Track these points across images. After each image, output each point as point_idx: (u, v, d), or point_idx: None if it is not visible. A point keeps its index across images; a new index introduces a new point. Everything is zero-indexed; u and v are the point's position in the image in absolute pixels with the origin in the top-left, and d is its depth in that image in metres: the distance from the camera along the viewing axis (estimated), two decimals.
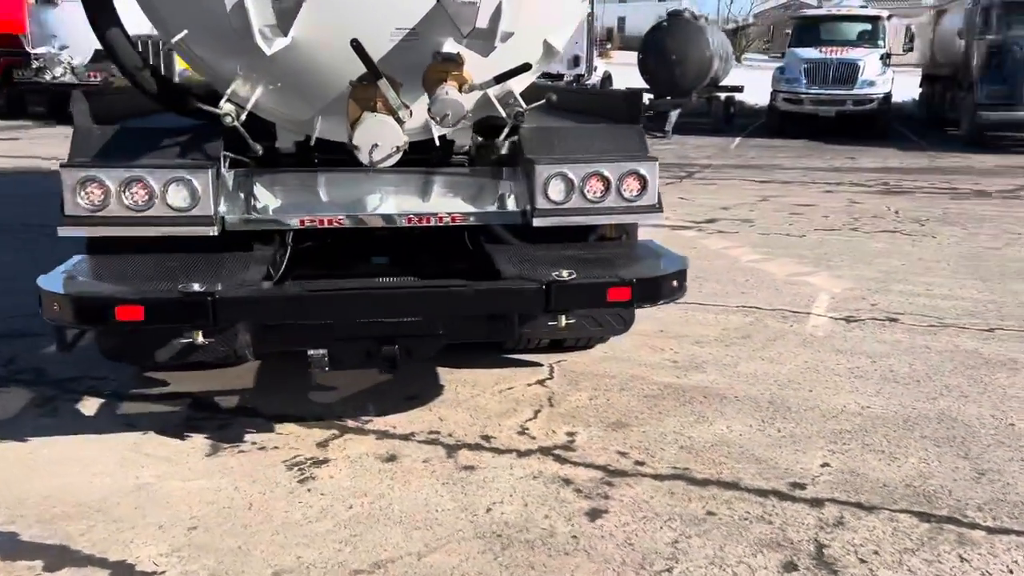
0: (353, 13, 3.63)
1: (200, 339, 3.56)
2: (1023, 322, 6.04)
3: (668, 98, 17.88)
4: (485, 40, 3.55)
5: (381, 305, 3.70)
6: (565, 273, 3.64)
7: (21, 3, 19.93)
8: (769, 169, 14.20)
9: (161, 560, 3.17)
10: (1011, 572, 3.13)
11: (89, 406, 4.54)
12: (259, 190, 4.14)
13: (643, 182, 4.15)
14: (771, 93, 19.92)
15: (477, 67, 3.69)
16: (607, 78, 22.83)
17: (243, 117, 3.79)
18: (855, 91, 18.58)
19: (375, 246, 4.59)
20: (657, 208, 4.22)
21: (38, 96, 20.34)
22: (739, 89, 21.28)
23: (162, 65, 13.17)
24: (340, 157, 4.12)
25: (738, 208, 10.57)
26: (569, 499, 3.61)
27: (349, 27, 3.54)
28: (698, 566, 3.15)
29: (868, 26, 20.05)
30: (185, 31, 3.70)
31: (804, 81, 18.93)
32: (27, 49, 19.97)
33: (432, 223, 4.15)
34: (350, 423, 4.32)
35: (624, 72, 22.46)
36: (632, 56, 20.52)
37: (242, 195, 4.08)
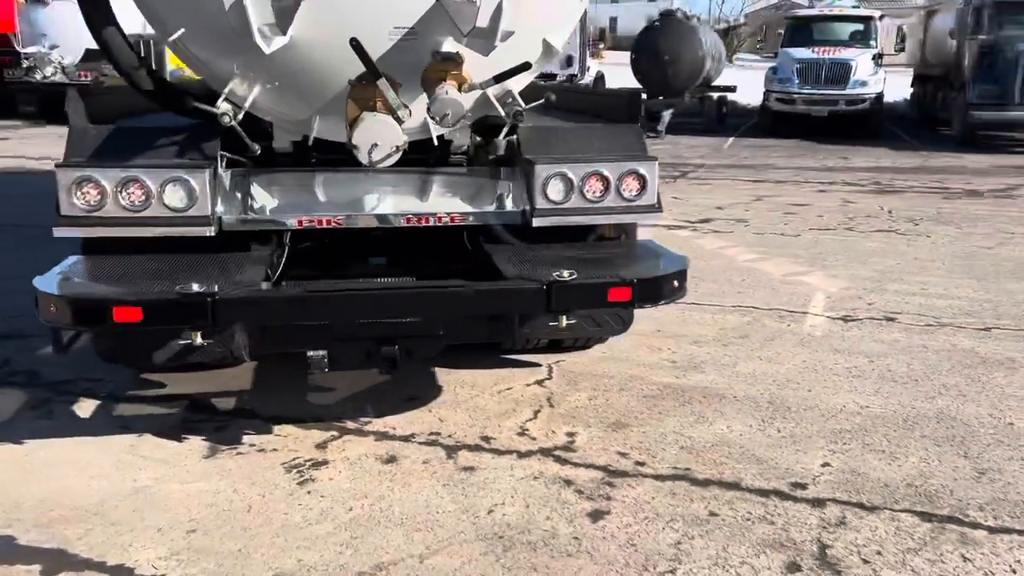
0: (352, 12, 3.61)
1: (199, 340, 3.53)
2: (1019, 321, 6.06)
3: (661, 98, 17.89)
4: (485, 39, 3.54)
5: (382, 306, 3.68)
6: (566, 273, 3.63)
7: (11, 2, 19.82)
8: (762, 169, 14.22)
9: (160, 563, 3.14)
10: (1014, 572, 3.13)
11: (85, 408, 4.50)
12: (256, 190, 4.11)
13: (642, 182, 4.15)
14: (764, 93, 19.96)
15: (476, 66, 3.68)
16: (600, 78, 22.80)
17: (240, 116, 3.76)
18: (847, 91, 18.62)
19: (372, 246, 4.57)
20: (656, 208, 4.21)
21: (28, 96, 20.17)
22: (732, 89, 21.29)
23: (153, 64, 13.12)
24: (338, 157, 4.10)
25: (732, 208, 10.58)
26: (570, 500, 3.60)
27: (348, 26, 3.52)
28: (701, 567, 3.14)
29: (860, 26, 20.12)
30: (182, 30, 3.67)
31: (797, 81, 18.97)
32: (17, 48, 19.85)
33: (431, 223, 4.13)
34: (349, 424, 4.29)
35: (616, 72, 22.43)
36: (624, 56, 20.54)
37: (239, 195, 4.05)
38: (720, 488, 3.71)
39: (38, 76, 19.78)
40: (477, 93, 3.74)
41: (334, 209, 4.10)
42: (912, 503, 3.59)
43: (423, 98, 3.70)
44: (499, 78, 3.71)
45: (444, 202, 4.21)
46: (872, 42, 19.72)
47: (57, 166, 3.73)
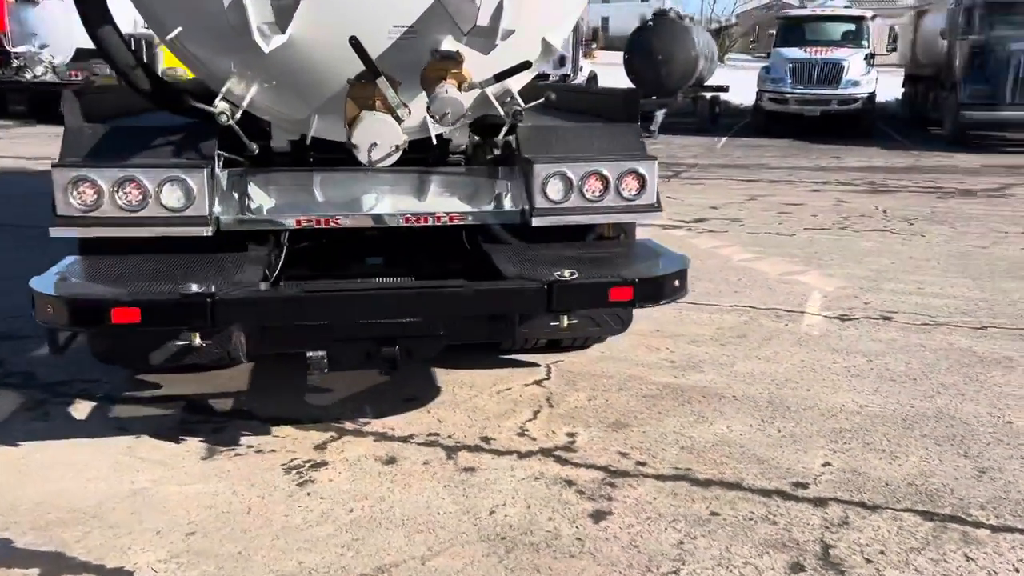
0: (351, 10, 3.58)
1: (198, 341, 3.50)
2: (1015, 320, 6.07)
3: (654, 98, 17.90)
4: (486, 38, 3.52)
5: (382, 306, 3.65)
6: (567, 273, 3.61)
7: (1, 2, 19.72)
8: (756, 168, 14.24)
9: (160, 566, 3.11)
10: (1017, 571, 3.13)
11: (81, 410, 4.46)
12: (254, 190, 4.08)
13: (642, 181, 4.14)
14: (757, 93, 20.02)
15: (475, 65, 3.66)
16: (593, 78, 22.80)
17: (238, 116, 3.74)
18: (840, 91, 18.69)
19: (370, 246, 4.55)
20: (656, 207, 4.20)
21: (18, 95, 20.07)
22: (724, 89, 21.35)
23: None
24: (336, 156, 4.08)
25: (727, 207, 10.59)
26: (572, 501, 3.58)
27: (347, 24, 3.49)
28: (705, 567, 3.13)
29: (852, 26, 20.19)
30: (179, 28, 3.64)
31: (789, 81, 19.03)
32: (7, 48, 19.76)
33: (430, 223, 4.11)
34: (347, 425, 4.27)
35: (609, 72, 22.47)
36: (615, 56, 20.57)
37: (236, 195, 4.02)
38: (721, 488, 3.70)
39: (28, 76, 19.69)
40: (476, 92, 3.72)
41: (332, 209, 4.08)
42: (914, 502, 3.59)
43: (422, 97, 3.68)
44: (499, 77, 3.69)
45: (443, 202, 4.19)
46: (864, 42, 19.80)
47: (53, 166, 3.69)
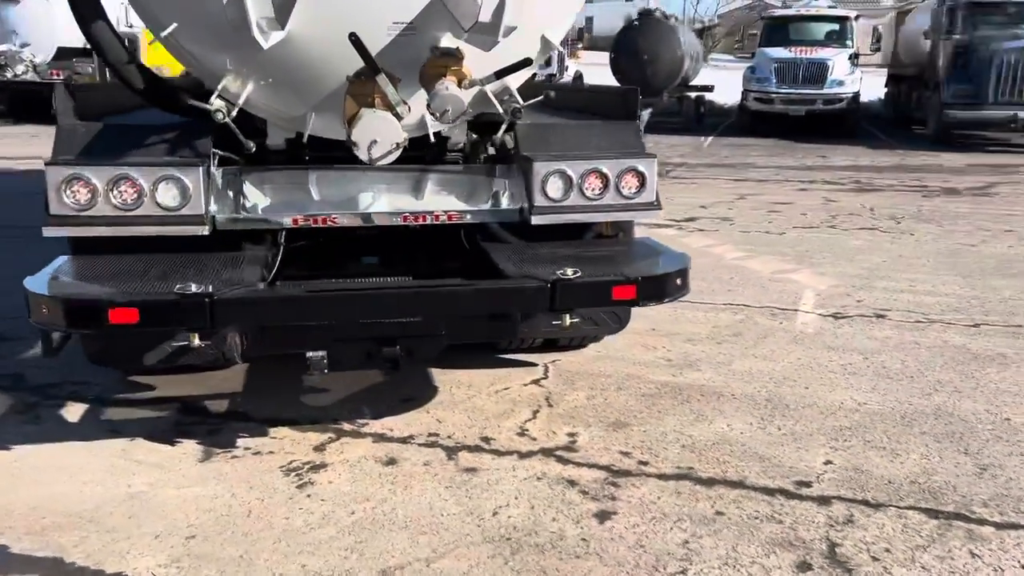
0: (349, 6, 3.55)
1: (196, 342, 3.45)
2: (1007, 318, 6.10)
3: (640, 97, 17.89)
4: (488, 35, 3.49)
5: (384, 305, 3.61)
6: (570, 271, 3.58)
7: None
8: (743, 168, 14.28)
9: (160, 571, 3.06)
10: (1023, 567, 3.13)
11: (73, 412, 4.39)
12: (250, 188, 4.03)
13: (641, 179, 4.12)
14: (742, 92, 20.10)
15: (474, 62, 3.63)
16: (579, 77, 22.79)
17: (234, 113, 3.69)
18: (825, 90, 18.80)
19: (366, 245, 4.50)
20: (655, 205, 4.19)
21: None
22: (709, 89, 21.41)
23: None
24: (332, 154, 4.04)
25: (716, 206, 10.60)
26: (576, 501, 3.55)
27: (345, 21, 3.46)
28: (712, 567, 3.11)
29: (836, 26, 20.31)
30: (175, 25, 3.59)
31: (774, 80, 19.12)
32: None
33: (428, 221, 4.08)
34: (346, 426, 4.22)
35: (594, 71, 22.46)
36: (600, 56, 20.59)
37: (232, 193, 3.97)
38: (725, 487, 3.68)
39: (8, 75, 19.44)
40: (476, 89, 3.69)
41: (329, 207, 4.04)
42: (917, 500, 3.58)
43: (421, 94, 3.64)
44: (500, 74, 3.66)
45: (441, 200, 4.16)
46: (848, 42, 19.92)
47: (46, 164, 3.63)
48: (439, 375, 4.80)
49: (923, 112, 19.08)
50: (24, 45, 19.37)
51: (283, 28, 3.46)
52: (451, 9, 3.46)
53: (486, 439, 4.11)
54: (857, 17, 20.72)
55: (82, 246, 3.86)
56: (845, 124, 18.97)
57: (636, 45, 18.08)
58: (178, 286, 3.30)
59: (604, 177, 4.06)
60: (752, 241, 8.60)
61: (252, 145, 3.92)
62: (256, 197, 4.03)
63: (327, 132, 3.93)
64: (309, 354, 3.65)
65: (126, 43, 3.86)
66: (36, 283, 3.43)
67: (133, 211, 3.66)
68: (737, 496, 3.61)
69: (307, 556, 3.15)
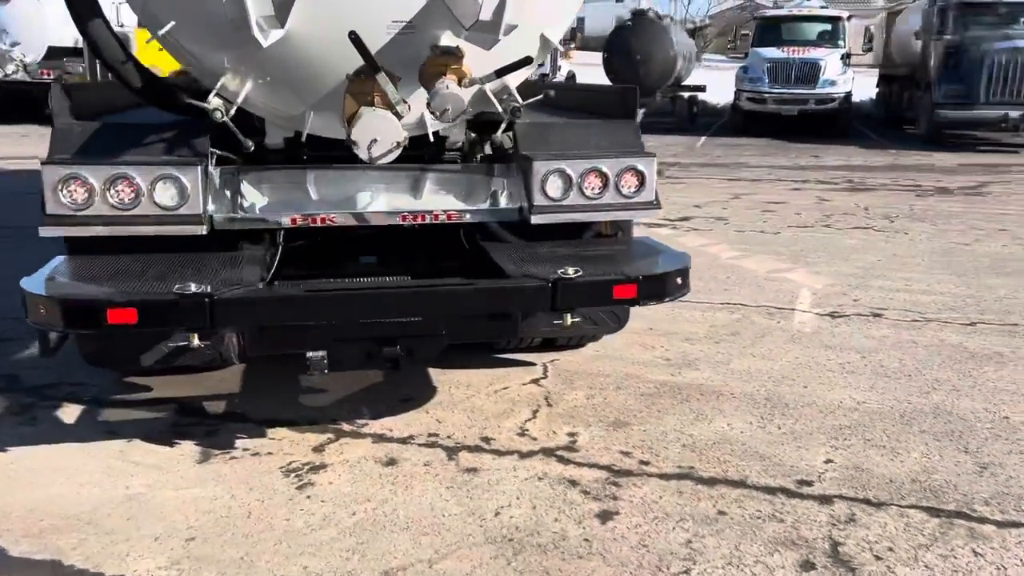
0: (349, 5, 3.53)
1: (196, 342, 3.42)
2: (1002, 316, 6.12)
3: None
4: (489, 33, 3.47)
5: (385, 305, 3.59)
6: (571, 270, 3.57)
7: None
8: (736, 167, 14.30)
9: (160, 573, 3.03)
10: None
11: (69, 413, 4.36)
12: (248, 188, 4.01)
13: (641, 178, 4.11)
14: (735, 92, 20.14)
15: (474, 61, 3.61)
16: (571, 77, 22.81)
17: (232, 112, 3.66)
18: (817, 90, 18.85)
19: (364, 245, 4.48)
20: (655, 204, 4.18)
21: None
22: (702, 88, 21.45)
23: None
24: (330, 153, 4.01)
25: (710, 206, 10.61)
26: (577, 501, 3.54)
27: (344, 19, 3.44)
28: (715, 567, 3.10)
29: (829, 26, 20.36)
30: (172, 23, 3.56)
31: (767, 80, 19.16)
32: None
33: (427, 220, 4.07)
34: (345, 427, 4.20)
35: (586, 72, 22.47)
36: (592, 56, 20.62)
37: (229, 193, 3.95)
38: (726, 486, 3.67)
39: None
40: (475, 88, 3.67)
41: (328, 207, 4.02)
42: (918, 498, 3.58)
43: (420, 93, 3.62)
44: (501, 72, 3.65)
45: (440, 199, 4.14)
46: (840, 42, 19.98)
47: (43, 163, 3.60)
48: (437, 375, 4.79)
49: (914, 112, 19.16)
50: (14, 44, 19.25)
51: (283, 26, 3.43)
52: (451, 7, 3.44)
53: (486, 439, 4.09)
54: (849, 17, 20.78)
55: (79, 246, 3.83)
56: (837, 124, 19.03)
57: (629, 45, 18.11)
58: (177, 286, 3.27)
59: (604, 176, 4.05)
60: (747, 240, 8.61)
61: (251, 144, 3.90)
62: (254, 196, 4.01)
63: (326, 131, 3.91)
64: (309, 354, 3.62)
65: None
66: (33, 283, 3.40)
67: (130, 211, 3.63)
68: (739, 495, 3.60)
69: (309, 557, 3.13)
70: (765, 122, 19.39)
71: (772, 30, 20.58)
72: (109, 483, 3.66)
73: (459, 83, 3.56)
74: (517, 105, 3.86)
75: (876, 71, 23.96)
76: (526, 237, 4.24)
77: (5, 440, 4.04)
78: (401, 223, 4.08)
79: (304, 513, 3.43)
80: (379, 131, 3.49)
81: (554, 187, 4.01)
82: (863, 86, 22.50)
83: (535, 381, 4.79)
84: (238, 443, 4.04)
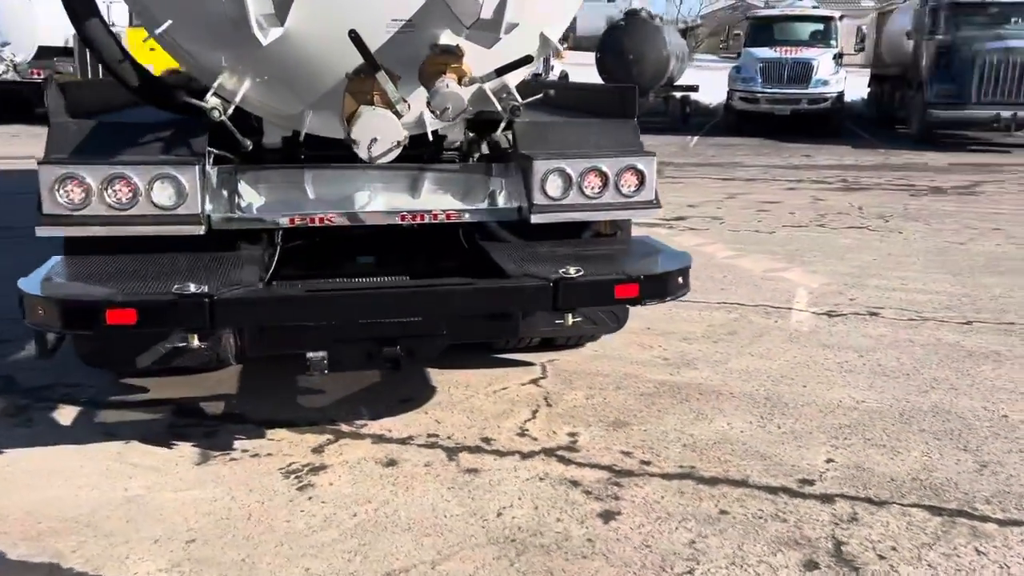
0: (349, 3, 3.51)
1: (195, 343, 3.39)
2: (998, 315, 6.13)
3: None
4: (489, 31, 3.45)
5: (386, 305, 3.57)
6: (572, 270, 3.56)
7: None
8: (730, 167, 14.32)
9: (161, 575, 3.02)
10: None
11: (65, 415, 4.32)
12: (245, 187, 3.99)
13: (641, 177, 4.11)
14: (728, 92, 20.18)
15: (473, 60, 3.59)
16: (564, 77, 22.80)
17: (230, 111, 3.64)
18: (809, 90, 18.91)
19: (363, 244, 4.46)
20: (655, 204, 4.18)
21: None
22: (695, 88, 21.48)
23: None
24: (329, 153, 3.99)
25: (705, 205, 10.62)
26: (579, 501, 3.53)
27: (344, 18, 3.42)
28: (719, 567, 3.09)
29: (821, 26, 20.43)
30: (170, 21, 3.53)
31: (760, 80, 19.21)
32: None
33: (426, 220, 4.05)
34: (344, 427, 4.18)
35: (579, 71, 22.47)
36: (584, 56, 20.61)
37: (227, 193, 3.92)
38: (728, 486, 3.67)
39: None
40: (475, 87, 3.65)
41: (326, 207, 3.99)
42: (920, 497, 3.58)
43: (420, 92, 3.61)
44: (501, 71, 3.63)
45: (439, 199, 4.13)
46: (833, 42, 20.05)
47: (39, 163, 3.57)
48: (436, 375, 4.77)
49: (906, 112, 19.23)
50: (4, 44, 19.16)
51: (282, 24, 3.41)
52: (452, 6, 3.42)
53: (486, 439, 4.08)
54: (841, 17, 20.85)
55: (75, 246, 3.80)
56: (830, 123, 19.09)
57: (622, 45, 18.15)
58: (176, 286, 3.25)
59: (603, 175, 4.04)
60: (742, 240, 8.62)
61: (249, 143, 3.88)
62: (252, 196, 3.99)
63: (324, 130, 3.89)
64: (309, 355, 3.60)
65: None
66: (30, 284, 3.36)
67: (128, 210, 3.61)
68: (741, 495, 3.59)
69: (310, 559, 3.11)
70: (758, 122, 19.44)
71: (765, 30, 20.64)
72: (107, 485, 3.63)
73: (459, 82, 3.54)
74: (517, 104, 3.84)
75: (868, 71, 24.03)
76: (525, 237, 4.23)
77: (1, 442, 4.00)
78: (400, 223, 4.06)
79: (305, 514, 3.41)
80: (379, 130, 3.47)
81: (554, 186, 4.00)
82: (855, 86, 22.55)
83: (534, 381, 4.78)
84: (237, 444, 4.01)
